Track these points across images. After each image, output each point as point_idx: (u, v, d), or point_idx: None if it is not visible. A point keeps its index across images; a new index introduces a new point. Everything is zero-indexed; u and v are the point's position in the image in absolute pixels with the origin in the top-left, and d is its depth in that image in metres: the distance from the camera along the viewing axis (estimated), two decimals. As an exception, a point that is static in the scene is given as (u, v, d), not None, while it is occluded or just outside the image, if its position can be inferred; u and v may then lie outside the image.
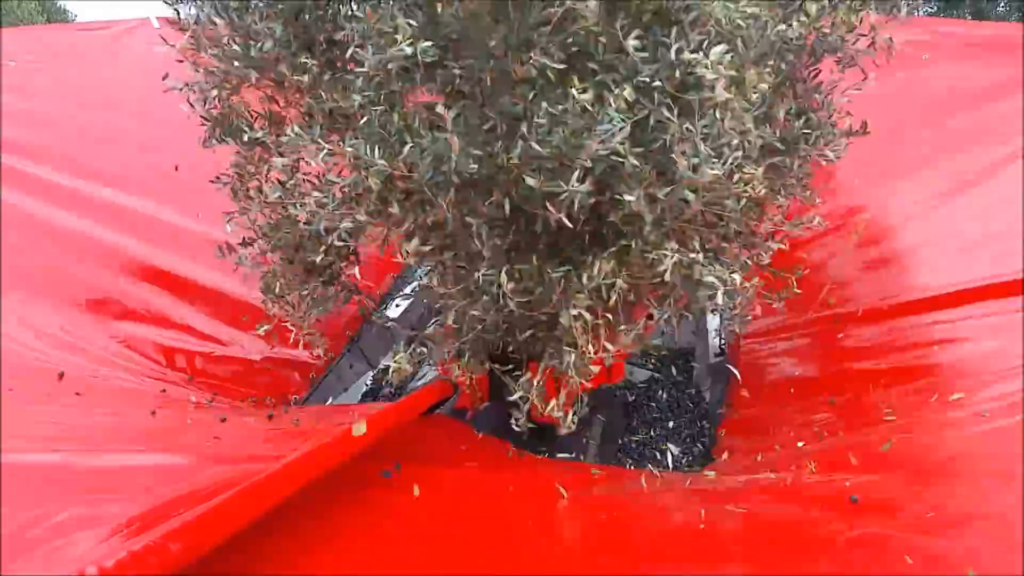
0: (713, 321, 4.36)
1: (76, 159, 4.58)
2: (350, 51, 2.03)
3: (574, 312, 2.20)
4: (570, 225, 2.01)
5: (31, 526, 1.40)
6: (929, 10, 13.84)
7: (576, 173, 1.89)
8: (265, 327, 2.65)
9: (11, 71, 5.06)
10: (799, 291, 2.67)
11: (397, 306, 4.72)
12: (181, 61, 2.38)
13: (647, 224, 2.04)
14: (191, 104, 2.44)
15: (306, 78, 2.21)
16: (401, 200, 2.21)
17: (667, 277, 2.11)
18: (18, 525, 1.40)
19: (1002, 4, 13.70)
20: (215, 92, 2.42)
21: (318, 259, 2.56)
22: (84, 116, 5.03)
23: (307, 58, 2.19)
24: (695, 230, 2.20)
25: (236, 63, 2.28)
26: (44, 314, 3.49)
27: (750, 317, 2.57)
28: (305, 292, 2.66)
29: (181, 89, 2.41)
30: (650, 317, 2.66)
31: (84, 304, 3.70)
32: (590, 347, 2.27)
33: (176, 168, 4.03)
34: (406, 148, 2.00)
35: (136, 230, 4.27)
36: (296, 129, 2.13)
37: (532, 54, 1.91)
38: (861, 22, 2.36)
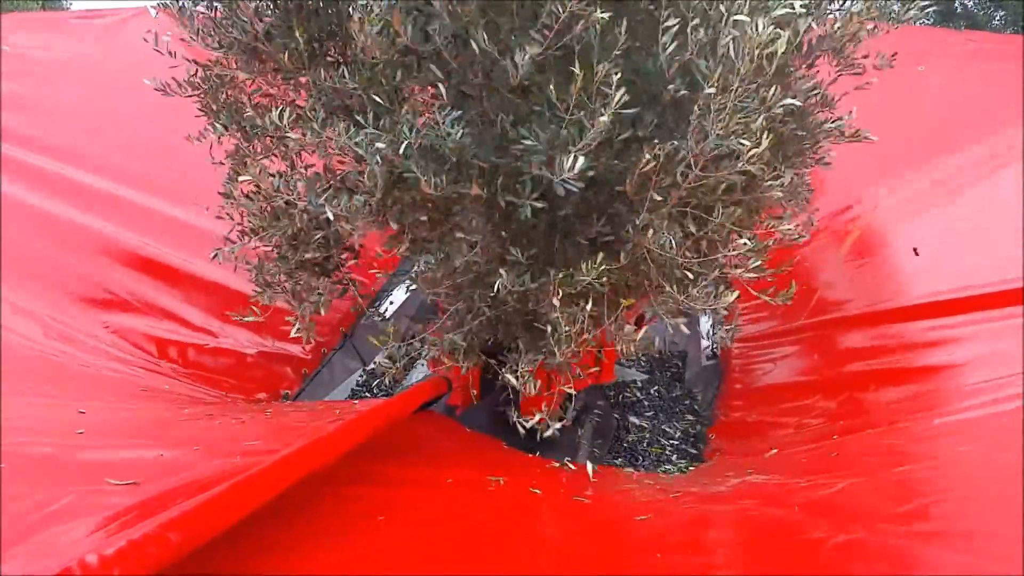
0: (705, 325, 4.38)
1: (70, 148, 4.57)
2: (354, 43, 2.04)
3: (557, 304, 2.22)
4: (573, 189, 2.03)
5: (29, 514, 1.41)
6: (925, 22, 13.89)
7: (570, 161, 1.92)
8: (251, 316, 2.64)
9: (5, 57, 5.04)
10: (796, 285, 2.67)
11: (391, 303, 4.72)
12: (173, 55, 2.39)
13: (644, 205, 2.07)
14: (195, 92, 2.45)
15: (299, 62, 2.22)
16: (397, 193, 2.23)
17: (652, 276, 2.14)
18: (16, 513, 1.40)
19: (998, 18, 13.76)
20: (213, 80, 2.43)
21: (314, 252, 2.57)
22: (79, 104, 5.02)
23: (305, 45, 2.20)
24: (690, 214, 2.22)
25: (229, 46, 2.29)
26: (37, 303, 3.49)
27: (738, 328, 2.59)
28: (300, 285, 2.66)
29: (181, 85, 2.42)
30: (640, 319, 2.68)
31: (77, 295, 3.71)
32: (572, 342, 2.29)
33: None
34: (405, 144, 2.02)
35: (130, 220, 4.27)
36: (306, 119, 2.14)
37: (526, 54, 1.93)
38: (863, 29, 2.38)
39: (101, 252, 4.04)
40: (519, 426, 2.65)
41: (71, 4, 17.76)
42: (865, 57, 2.47)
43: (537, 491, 2.44)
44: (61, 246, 3.96)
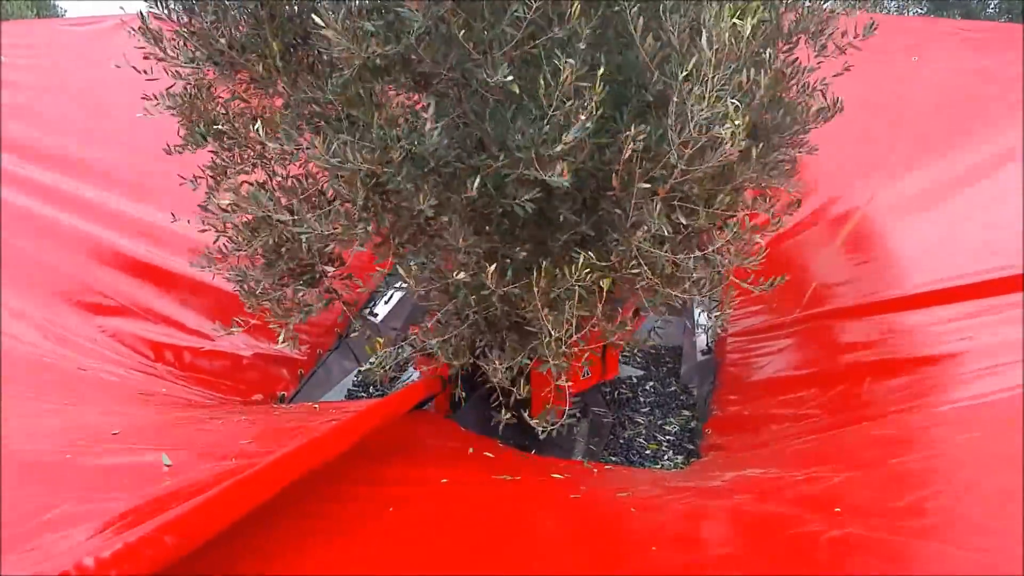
0: (700, 319, 4.39)
1: (65, 154, 4.58)
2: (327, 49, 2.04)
3: (542, 308, 2.23)
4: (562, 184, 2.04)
5: (28, 518, 1.41)
6: (919, 11, 13.92)
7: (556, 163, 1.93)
8: (236, 329, 2.64)
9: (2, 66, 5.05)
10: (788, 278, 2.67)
11: (386, 303, 4.73)
12: (147, 58, 2.39)
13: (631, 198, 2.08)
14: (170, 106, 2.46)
15: (275, 65, 2.21)
16: (379, 199, 2.24)
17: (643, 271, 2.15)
18: (15, 518, 1.41)
19: (992, 6, 13.78)
20: (192, 91, 2.44)
21: (298, 263, 2.57)
22: (74, 112, 5.03)
23: (280, 54, 2.20)
24: (678, 207, 2.22)
25: (202, 55, 2.29)
26: (35, 308, 3.50)
27: (729, 313, 2.59)
28: (285, 296, 2.65)
29: (167, 92, 2.43)
30: (636, 313, 2.68)
31: (74, 299, 3.71)
32: (562, 340, 2.29)
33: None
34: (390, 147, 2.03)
35: (126, 226, 4.28)
36: (281, 128, 2.14)
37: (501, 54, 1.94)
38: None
39: (98, 257, 4.04)
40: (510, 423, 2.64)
41: (66, 11, 17.75)
42: (844, 34, 2.47)
43: (534, 489, 2.45)
44: (58, 251, 3.96)
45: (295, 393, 3.94)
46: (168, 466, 1.86)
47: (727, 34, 1.83)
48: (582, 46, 1.95)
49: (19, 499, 1.53)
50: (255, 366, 3.88)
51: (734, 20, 1.83)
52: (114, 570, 1.09)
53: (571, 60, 1.87)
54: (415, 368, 3.07)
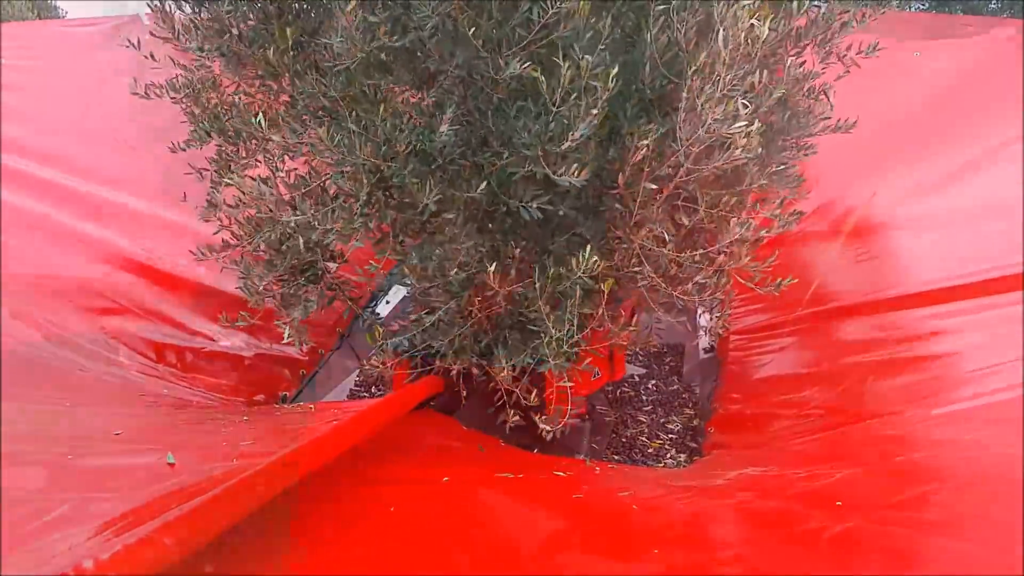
0: (703, 318, 4.38)
1: (66, 155, 4.58)
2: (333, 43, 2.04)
3: (544, 308, 2.22)
4: (568, 184, 2.04)
5: (27, 520, 1.41)
6: (921, 7, 13.87)
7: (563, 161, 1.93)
8: (242, 322, 2.64)
9: (2, 67, 5.05)
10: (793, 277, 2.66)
11: (388, 302, 4.72)
12: (153, 57, 2.39)
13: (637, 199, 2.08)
14: (180, 101, 2.45)
15: (280, 66, 2.21)
16: (383, 195, 2.23)
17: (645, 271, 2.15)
18: (14, 519, 1.41)
19: (994, 2, 13.72)
20: (196, 84, 2.44)
21: (300, 259, 2.56)
22: (75, 112, 5.03)
23: (286, 49, 2.19)
24: (681, 207, 2.22)
25: (211, 49, 2.29)
26: (36, 308, 3.49)
27: (729, 314, 2.58)
28: (288, 292, 2.65)
29: (163, 88, 2.43)
30: (635, 312, 2.67)
31: (76, 300, 3.70)
32: (563, 339, 2.29)
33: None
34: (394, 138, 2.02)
35: (128, 226, 4.27)
36: (286, 121, 2.14)
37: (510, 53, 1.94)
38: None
39: (99, 257, 4.04)
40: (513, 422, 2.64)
41: (66, 13, 17.73)
42: (849, 48, 2.47)
43: (536, 487, 2.44)
44: (58, 251, 3.96)
45: (297, 393, 3.94)
46: (172, 464, 1.86)
47: (743, 34, 1.83)
48: (602, 47, 1.94)
49: (19, 499, 1.52)
50: (257, 367, 3.88)
51: (752, 21, 1.83)
52: (113, 572, 1.09)
53: (588, 56, 1.86)
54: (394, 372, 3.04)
